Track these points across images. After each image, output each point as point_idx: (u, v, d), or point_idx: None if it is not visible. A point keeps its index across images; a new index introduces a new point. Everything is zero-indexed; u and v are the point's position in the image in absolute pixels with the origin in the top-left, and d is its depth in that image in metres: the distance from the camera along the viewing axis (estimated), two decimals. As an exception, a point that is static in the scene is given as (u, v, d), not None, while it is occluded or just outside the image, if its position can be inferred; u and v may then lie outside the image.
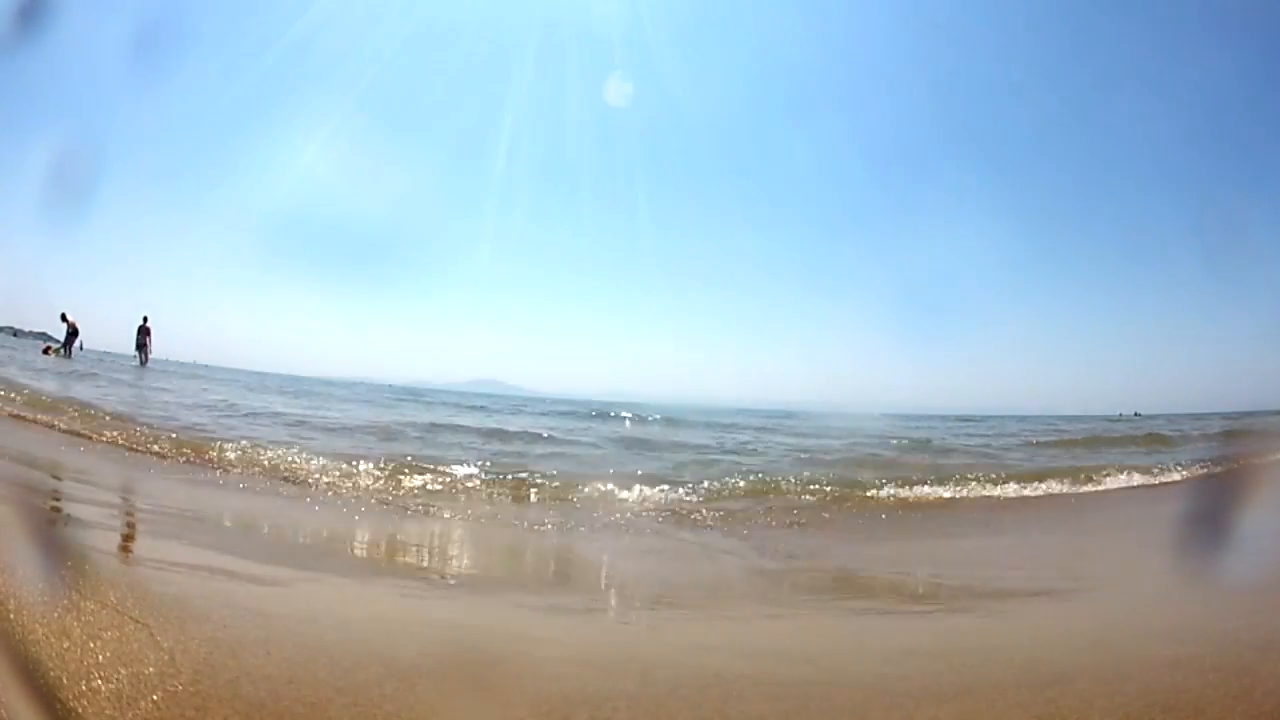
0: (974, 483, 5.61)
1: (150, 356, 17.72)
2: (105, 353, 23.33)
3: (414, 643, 1.77)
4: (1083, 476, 5.96)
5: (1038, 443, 10.24)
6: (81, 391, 8.41)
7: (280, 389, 16.80)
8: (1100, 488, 5.83)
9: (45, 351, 17.33)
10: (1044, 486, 5.69)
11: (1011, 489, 5.58)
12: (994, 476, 5.84)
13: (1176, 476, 6.31)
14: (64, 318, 17.23)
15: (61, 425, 5.54)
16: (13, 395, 6.61)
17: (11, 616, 1.50)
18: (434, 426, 9.04)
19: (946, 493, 5.43)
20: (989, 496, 5.41)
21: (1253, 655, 1.84)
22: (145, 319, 17.68)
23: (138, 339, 17.61)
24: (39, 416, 5.81)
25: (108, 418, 6.13)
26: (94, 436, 5.32)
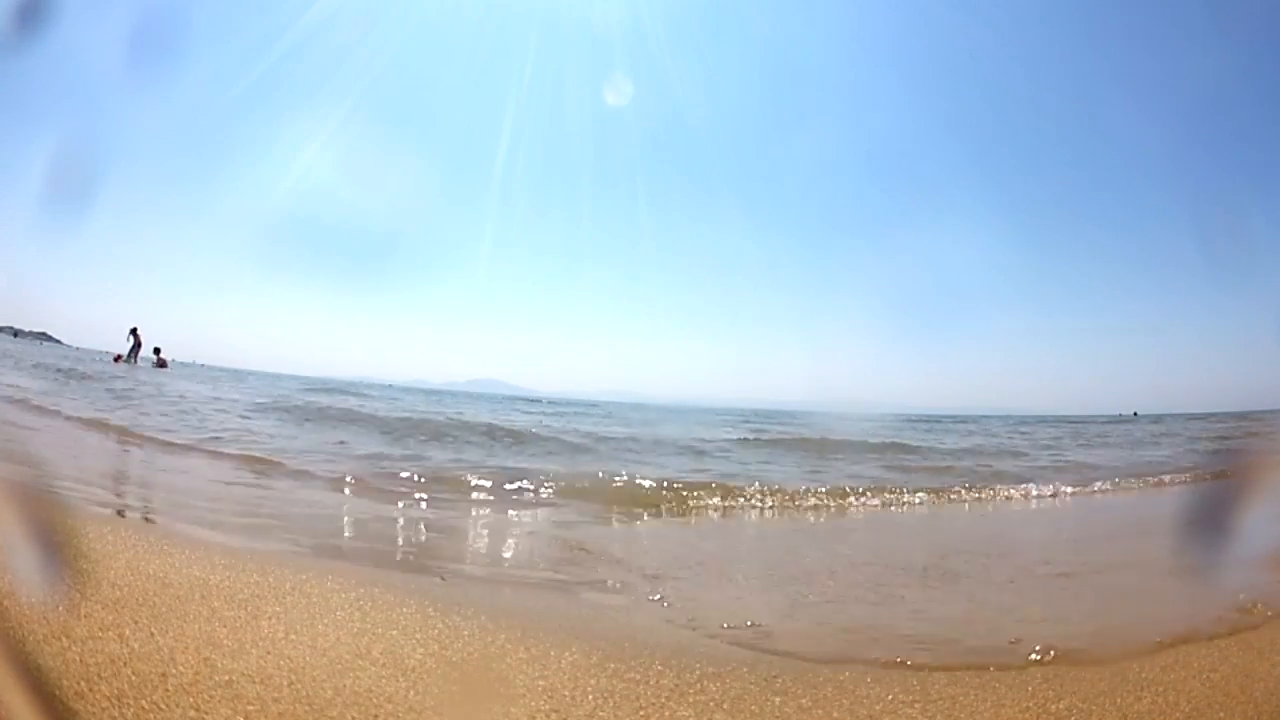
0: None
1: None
2: (106, 353, 23.38)
3: (415, 642, 1.77)
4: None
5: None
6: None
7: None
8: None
9: (115, 360, 18.66)
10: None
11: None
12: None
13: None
14: (133, 333, 19.09)
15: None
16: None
17: (11, 616, 1.50)
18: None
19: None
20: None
21: (1252, 655, 1.84)
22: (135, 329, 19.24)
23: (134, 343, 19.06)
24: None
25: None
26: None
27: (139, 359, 18.94)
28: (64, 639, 1.48)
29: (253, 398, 11.73)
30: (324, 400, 12.33)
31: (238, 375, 23.35)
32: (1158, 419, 21.96)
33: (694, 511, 4.75)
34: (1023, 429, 16.83)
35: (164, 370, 18.27)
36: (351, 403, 12.34)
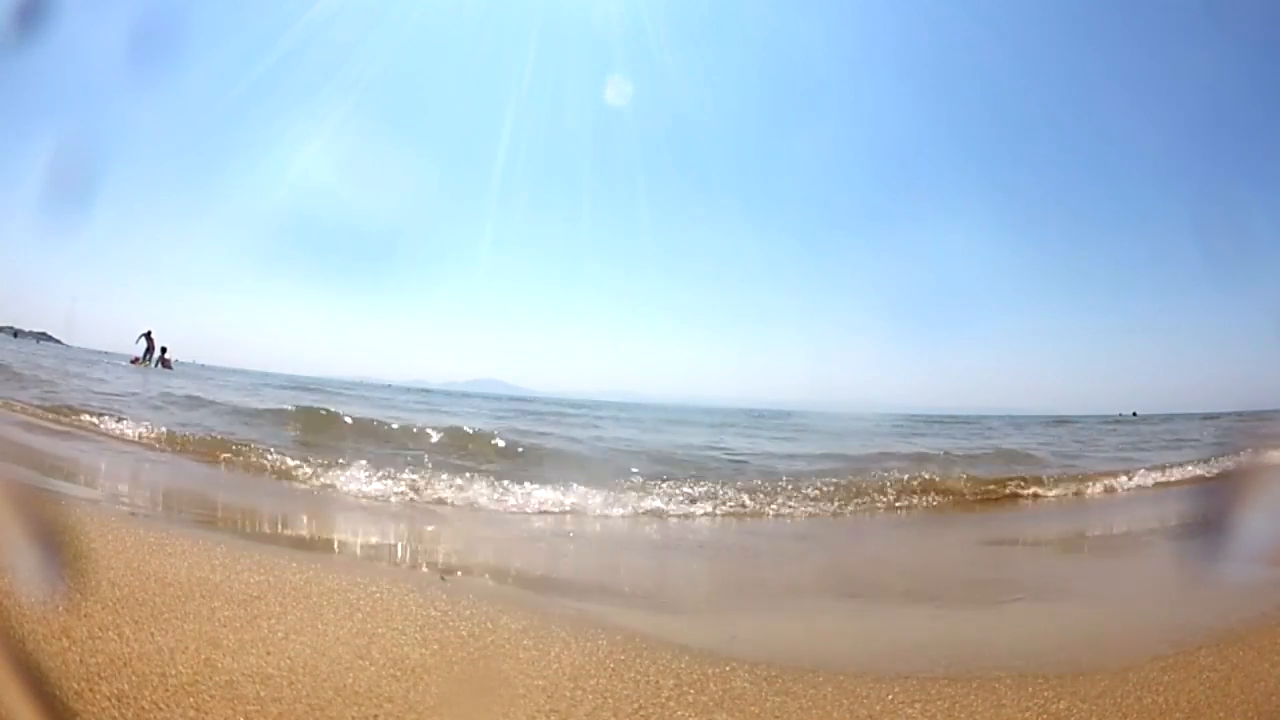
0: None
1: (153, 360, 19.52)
2: (104, 353, 23.42)
3: (415, 642, 1.77)
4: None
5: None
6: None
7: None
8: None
9: (133, 362, 19.12)
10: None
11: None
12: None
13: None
14: (148, 336, 19.70)
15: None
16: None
17: (11, 616, 1.50)
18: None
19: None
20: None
21: (1252, 655, 1.84)
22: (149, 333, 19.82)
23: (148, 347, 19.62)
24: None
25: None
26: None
27: (151, 361, 19.34)
28: (64, 639, 1.48)
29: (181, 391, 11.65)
30: (265, 397, 12.09)
31: (227, 375, 23.33)
32: (1168, 418, 21.80)
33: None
34: (1000, 430, 16.60)
35: (168, 371, 18.38)
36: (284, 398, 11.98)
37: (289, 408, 9.02)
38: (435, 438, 7.32)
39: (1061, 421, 21.59)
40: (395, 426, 7.99)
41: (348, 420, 8.15)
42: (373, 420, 8.38)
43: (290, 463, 5.07)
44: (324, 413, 8.60)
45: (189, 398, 10.06)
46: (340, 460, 5.10)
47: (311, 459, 5.14)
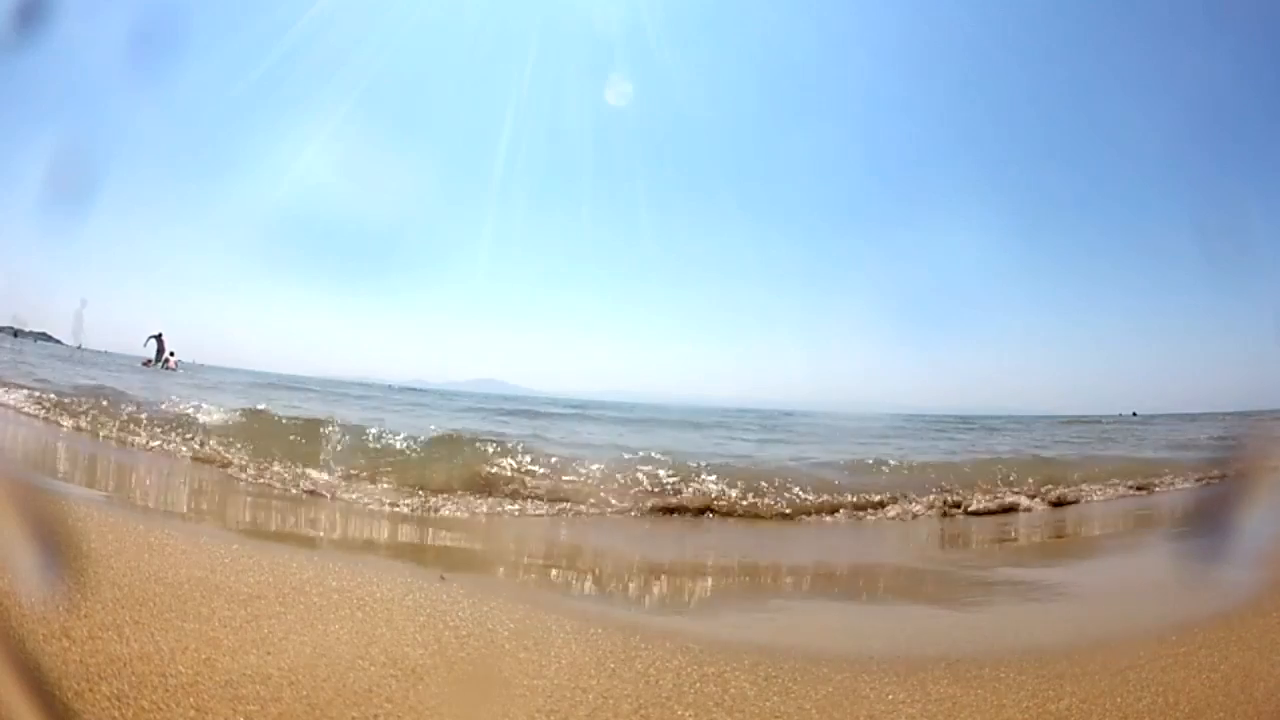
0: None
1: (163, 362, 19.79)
2: (104, 352, 23.43)
3: (415, 642, 1.77)
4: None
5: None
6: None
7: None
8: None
9: (145, 364, 19.26)
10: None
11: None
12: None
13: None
14: (158, 338, 19.88)
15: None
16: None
17: (11, 616, 1.50)
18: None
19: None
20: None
21: (1252, 655, 1.84)
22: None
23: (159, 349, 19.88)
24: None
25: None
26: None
27: (163, 362, 19.58)
28: (64, 639, 1.48)
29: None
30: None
31: (220, 373, 23.20)
32: (1169, 418, 21.57)
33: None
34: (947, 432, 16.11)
35: (171, 372, 18.49)
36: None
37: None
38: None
39: (1068, 422, 21.44)
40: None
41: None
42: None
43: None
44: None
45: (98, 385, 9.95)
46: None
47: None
